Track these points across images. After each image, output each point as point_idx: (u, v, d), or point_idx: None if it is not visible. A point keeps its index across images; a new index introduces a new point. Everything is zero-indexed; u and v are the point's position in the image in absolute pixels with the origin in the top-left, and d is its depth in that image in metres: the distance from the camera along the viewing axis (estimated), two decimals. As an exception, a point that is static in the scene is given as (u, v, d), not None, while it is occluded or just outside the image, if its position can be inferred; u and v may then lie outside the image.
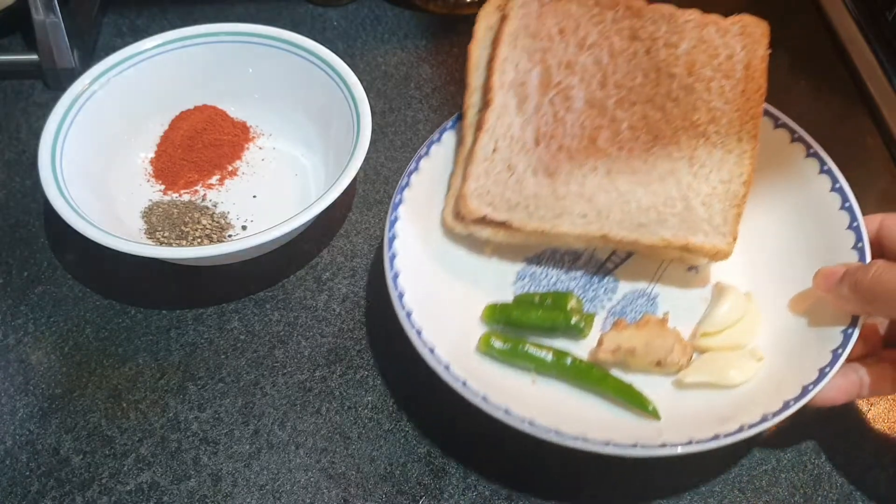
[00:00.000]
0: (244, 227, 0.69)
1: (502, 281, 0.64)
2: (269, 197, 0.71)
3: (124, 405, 0.61)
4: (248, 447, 0.59)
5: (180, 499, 0.57)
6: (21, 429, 0.60)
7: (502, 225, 0.61)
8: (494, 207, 0.61)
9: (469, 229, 0.62)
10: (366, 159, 0.65)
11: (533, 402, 0.57)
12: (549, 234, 0.61)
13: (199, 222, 0.67)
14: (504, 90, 0.64)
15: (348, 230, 0.71)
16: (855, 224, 0.61)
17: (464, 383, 0.54)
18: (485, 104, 0.64)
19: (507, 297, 0.63)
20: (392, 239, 0.60)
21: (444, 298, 0.61)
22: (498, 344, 0.59)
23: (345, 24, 0.87)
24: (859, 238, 0.60)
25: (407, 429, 0.60)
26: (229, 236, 0.68)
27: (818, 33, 0.88)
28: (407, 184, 0.63)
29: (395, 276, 0.59)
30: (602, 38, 0.65)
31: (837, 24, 0.87)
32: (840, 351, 0.55)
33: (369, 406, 0.61)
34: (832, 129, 0.80)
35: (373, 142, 0.67)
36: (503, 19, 0.65)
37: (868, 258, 0.59)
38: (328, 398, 0.62)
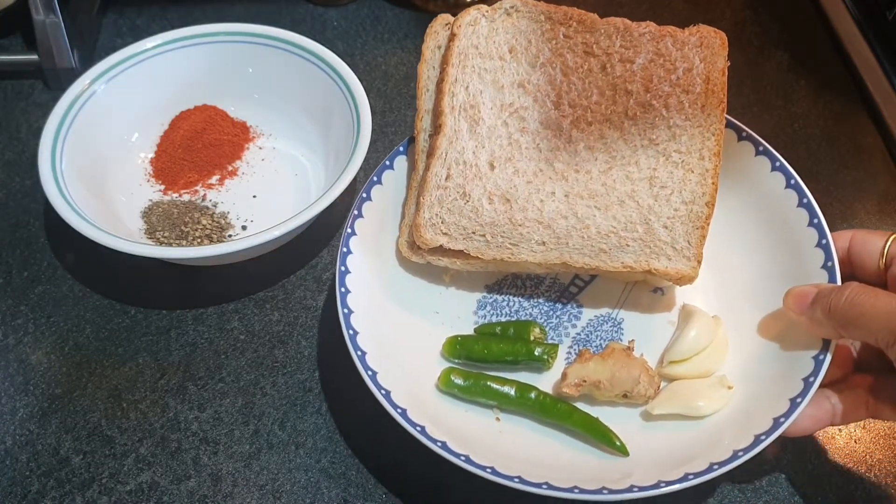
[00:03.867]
0: (244, 227, 0.69)
1: (463, 311, 0.63)
2: (269, 197, 0.71)
3: (124, 405, 0.61)
4: (248, 447, 0.59)
5: (180, 499, 0.57)
6: (21, 429, 0.60)
7: (460, 253, 0.60)
8: (450, 237, 0.59)
9: (426, 258, 0.60)
10: (366, 159, 0.65)
11: (496, 443, 0.55)
12: (509, 262, 0.59)
13: (199, 222, 0.67)
14: (455, 114, 0.61)
15: (348, 230, 0.71)
16: (824, 241, 0.59)
17: (422, 429, 0.52)
18: (436, 129, 0.61)
19: (469, 327, 0.62)
20: (344, 275, 0.58)
21: (402, 334, 0.59)
22: (459, 381, 0.57)
23: (345, 24, 0.87)
24: (829, 257, 0.58)
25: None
26: (229, 236, 0.68)
27: (818, 33, 0.88)
28: (359, 214, 0.61)
29: (348, 315, 0.57)
30: (555, 56, 0.62)
31: (837, 24, 0.87)
32: (812, 379, 0.53)
33: (370, 406, 0.61)
34: (832, 129, 0.80)
35: (373, 142, 0.67)
36: (451, 38, 0.62)
37: (838, 277, 0.57)
38: (328, 398, 0.62)
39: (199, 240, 0.66)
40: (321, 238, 0.70)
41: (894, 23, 0.79)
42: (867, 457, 0.60)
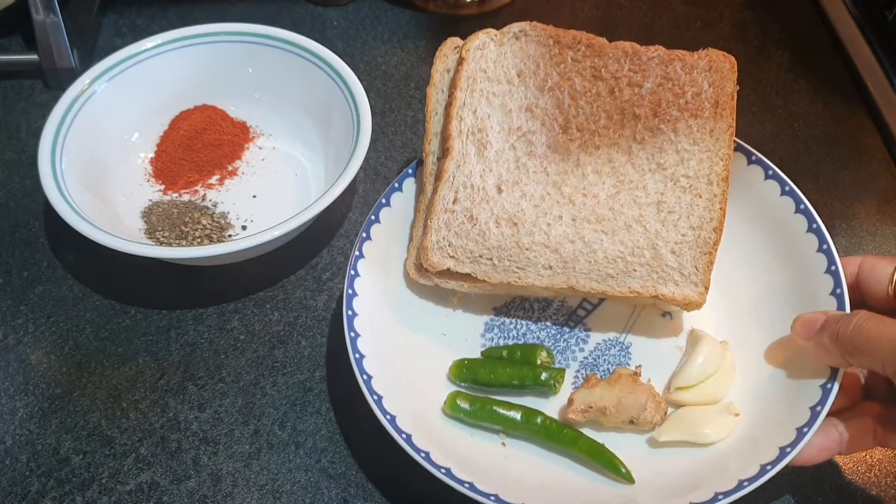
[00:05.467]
0: (244, 227, 0.69)
1: (470, 333, 0.62)
2: (269, 197, 0.71)
3: (124, 405, 0.61)
4: (248, 447, 0.59)
5: (180, 499, 0.57)
6: (21, 429, 0.60)
7: (467, 276, 0.60)
8: (457, 260, 0.59)
9: (433, 281, 0.60)
10: (366, 159, 0.65)
11: (501, 469, 0.55)
12: (516, 286, 0.59)
13: (199, 222, 0.67)
14: (463, 138, 0.61)
15: (348, 230, 0.71)
16: (833, 268, 0.58)
17: (426, 455, 0.52)
18: (444, 152, 0.62)
19: (476, 349, 0.62)
20: (351, 298, 0.58)
21: (408, 357, 0.59)
22: (465, 405, 0.57)
23: (345, 24, 0.87)
24: (838, 283, 0.57)
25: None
26: (229, 236, 0.68)
27: (818, 33, 0.88)
28: (367, 236, 0.61)
29: (355, 339, 0.56)
30: (563, 80, 0.63)
31: (837, 24, 0.87)
32: (819, 409, 0.53)
33: (370, 406, 0.61)
34: (832, 129, 0.80)
35: (373, 142, 0.67)
36: (460, 62, 0.63)
37: (847, 304, 0.57)
38: (328, 398, 0.62)
39: (199, 240, 0.66)
40: (321, 238, 0.70)
41: (894, 23, 0.79)
42: (867, 457, 0.60)
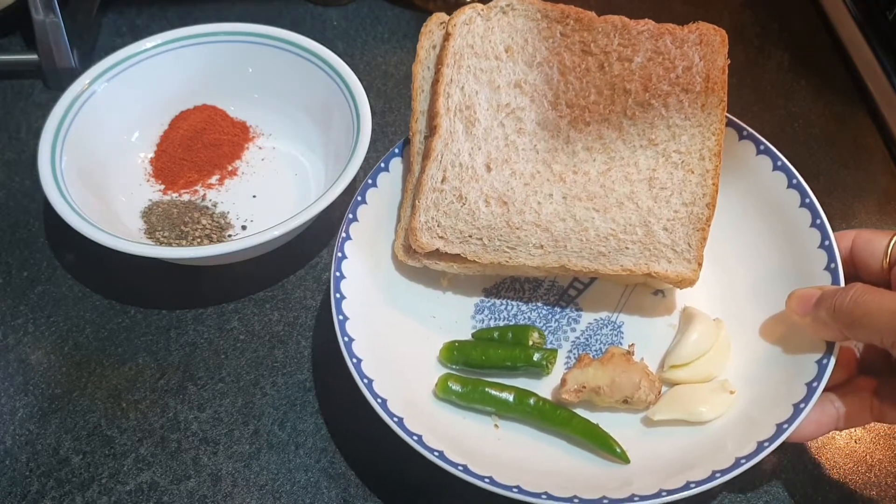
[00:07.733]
0: (244, 227, 0.69)
1: (460, 315, 0.62)
2: (269, 197, 0.71)
3: (124, 405, 0.61)
4: (248, 447, 0.59)
5: (180, 499, 0.57)
6: (21, 429, 0.60)
7: (456, 257, 0.59)
8: (447, 240, 0.58)
9: (422, 262, 0.59)
10: (366, 159, 0.65)
11: (494, 451, 0.55)
12: (507, 266, 0.59)
13: (198, 222, 0.67)
14: (450, 115, 0.60)
15: (348, 230, 0.71)
16: (827, 242, 0.58)
17: (419, 439, 0.52)
18: (431, 130, 0.60)
19: (466, 331, 0.61)
20: (339, 280, 0.57)
21: (398, 340, 0.59)
22: (456, 387, 0.57)
23: (345, 24, 0.87)
24: (832, 258, 0.57)
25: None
26: (229, 236, 0.68)
27: (818, 33, 0.88)
28: (354, 217, 0.60)
29: (343, 322, 0.56)
30: (552, 55, 0.62)
31: (837, 24, 0.87)
32: (815, 384, 0.53)
33: (369, 406, 0.61)
34: (832, 129, 0.80)
35: (373, 142, 0.67)
36: (447, 37, 0.61)
37: (842, 279, 0.56)
38: (328, 398, 0.62)
39: (198, 240, 0.66)
40: (321, 238, 0.70)
41: (894, 23, 0.79)
42: (867, 457, 0.60)
